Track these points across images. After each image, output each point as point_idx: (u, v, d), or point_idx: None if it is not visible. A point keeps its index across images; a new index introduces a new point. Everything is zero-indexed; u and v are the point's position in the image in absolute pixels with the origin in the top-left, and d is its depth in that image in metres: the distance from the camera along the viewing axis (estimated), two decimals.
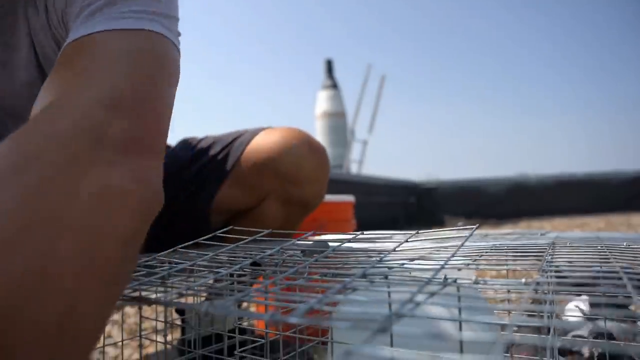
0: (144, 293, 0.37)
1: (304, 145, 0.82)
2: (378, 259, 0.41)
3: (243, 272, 0.41)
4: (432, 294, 0.29)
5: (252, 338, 0.59)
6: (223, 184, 0.85)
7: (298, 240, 0.54)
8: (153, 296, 0.37)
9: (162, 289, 0.39)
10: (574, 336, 0.55)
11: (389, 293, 0.32)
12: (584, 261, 0.40)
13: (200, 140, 0.93)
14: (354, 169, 6.73)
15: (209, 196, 0.85)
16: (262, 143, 0.83)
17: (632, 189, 6.51)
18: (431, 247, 0.48)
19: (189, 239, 0.56)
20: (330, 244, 0.50)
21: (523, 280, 0.33)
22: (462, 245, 0.44)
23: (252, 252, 0.50)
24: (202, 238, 0.56)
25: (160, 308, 0.65)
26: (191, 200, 0.87)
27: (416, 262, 0.40)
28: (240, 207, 0.86)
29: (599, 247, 0.46)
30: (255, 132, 0.86)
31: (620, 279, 0.32)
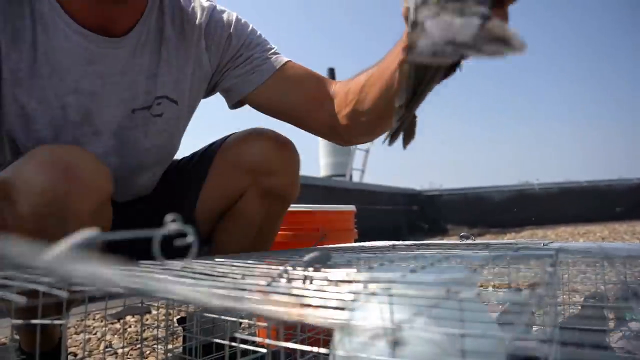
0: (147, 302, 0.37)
1: (271, 140, 0.90)
2: (380, 271, 0.41)
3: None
4: (434, 306, 0.29)
5: (253, 348, 0.59)
6: (204, 185, 0.92)
7: (301, 251, 0.54)
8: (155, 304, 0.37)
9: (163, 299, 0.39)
10: None
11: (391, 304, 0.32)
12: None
13: (184, 156, 1.02)
14: (356, 177, 6.71)
15: (194, 198, 0.92)
16: (233, 142, 0.93)
17: (636, 197, 6.48)
18: (433, 258, 0.48)
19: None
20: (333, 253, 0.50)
21: (525, 292, 0.33)
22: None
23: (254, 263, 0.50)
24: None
25: (162, 317, 0.65)
26: (177, 206, 0.90)
27: (418, 273, 0.40)
28: (222, 205, 0.93)
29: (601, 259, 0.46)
30: (227, 136, 0.95)
31: None
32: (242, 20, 0.92)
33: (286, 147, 0.91)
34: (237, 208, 0.91)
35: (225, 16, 0.90)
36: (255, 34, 0.91)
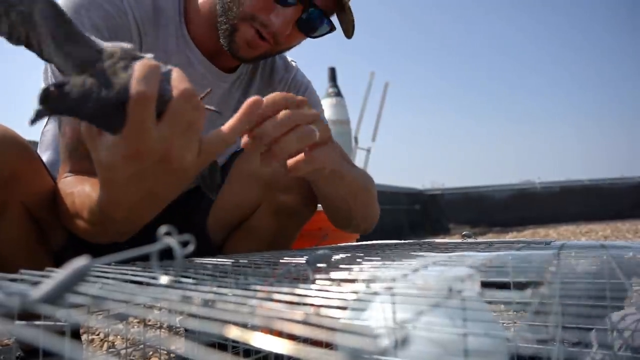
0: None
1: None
2: (382, 270, 0.41)
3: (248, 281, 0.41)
4: (436, 306, 0.29)
5: (256, 348, 0.59)
6: (218, 194, 0.91)
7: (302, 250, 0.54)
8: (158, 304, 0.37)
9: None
10: None
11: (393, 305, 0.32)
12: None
13: None
14: None
15: (205, 212, 0.92)
16: (250, 154, 0.91)
17: (639, 196, 6.46)
18: (436, 257, 0.48)
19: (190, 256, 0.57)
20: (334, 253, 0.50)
21: (528, 291, 0.33)
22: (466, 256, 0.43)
23: (257, 262, 0.50)
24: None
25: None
26: (189, 219, 0.91)
27: (420, 273, 0.40)
28: (235, 217, 0.92)
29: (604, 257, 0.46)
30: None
31: None
32: (313, 88, 1.05)
33: None
34: (249, 222, 0.91)
35: (304, 80, 1.03)
36: (318, 105, 1.03)
